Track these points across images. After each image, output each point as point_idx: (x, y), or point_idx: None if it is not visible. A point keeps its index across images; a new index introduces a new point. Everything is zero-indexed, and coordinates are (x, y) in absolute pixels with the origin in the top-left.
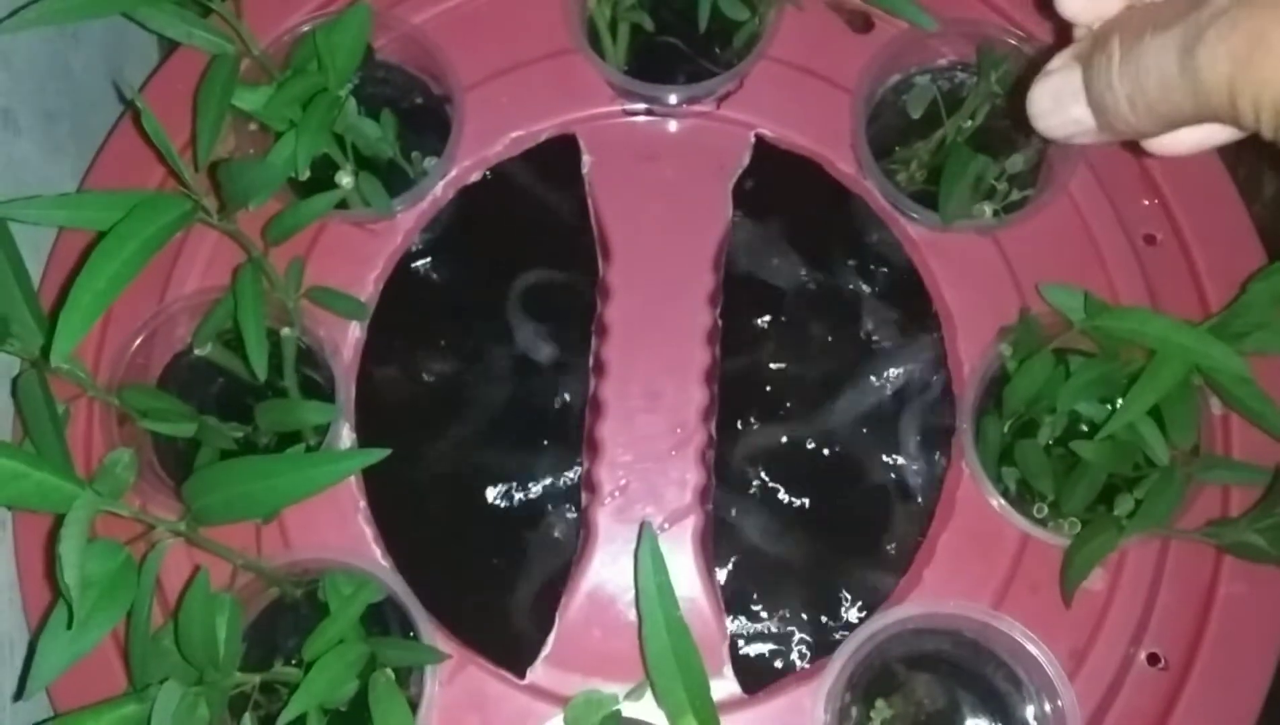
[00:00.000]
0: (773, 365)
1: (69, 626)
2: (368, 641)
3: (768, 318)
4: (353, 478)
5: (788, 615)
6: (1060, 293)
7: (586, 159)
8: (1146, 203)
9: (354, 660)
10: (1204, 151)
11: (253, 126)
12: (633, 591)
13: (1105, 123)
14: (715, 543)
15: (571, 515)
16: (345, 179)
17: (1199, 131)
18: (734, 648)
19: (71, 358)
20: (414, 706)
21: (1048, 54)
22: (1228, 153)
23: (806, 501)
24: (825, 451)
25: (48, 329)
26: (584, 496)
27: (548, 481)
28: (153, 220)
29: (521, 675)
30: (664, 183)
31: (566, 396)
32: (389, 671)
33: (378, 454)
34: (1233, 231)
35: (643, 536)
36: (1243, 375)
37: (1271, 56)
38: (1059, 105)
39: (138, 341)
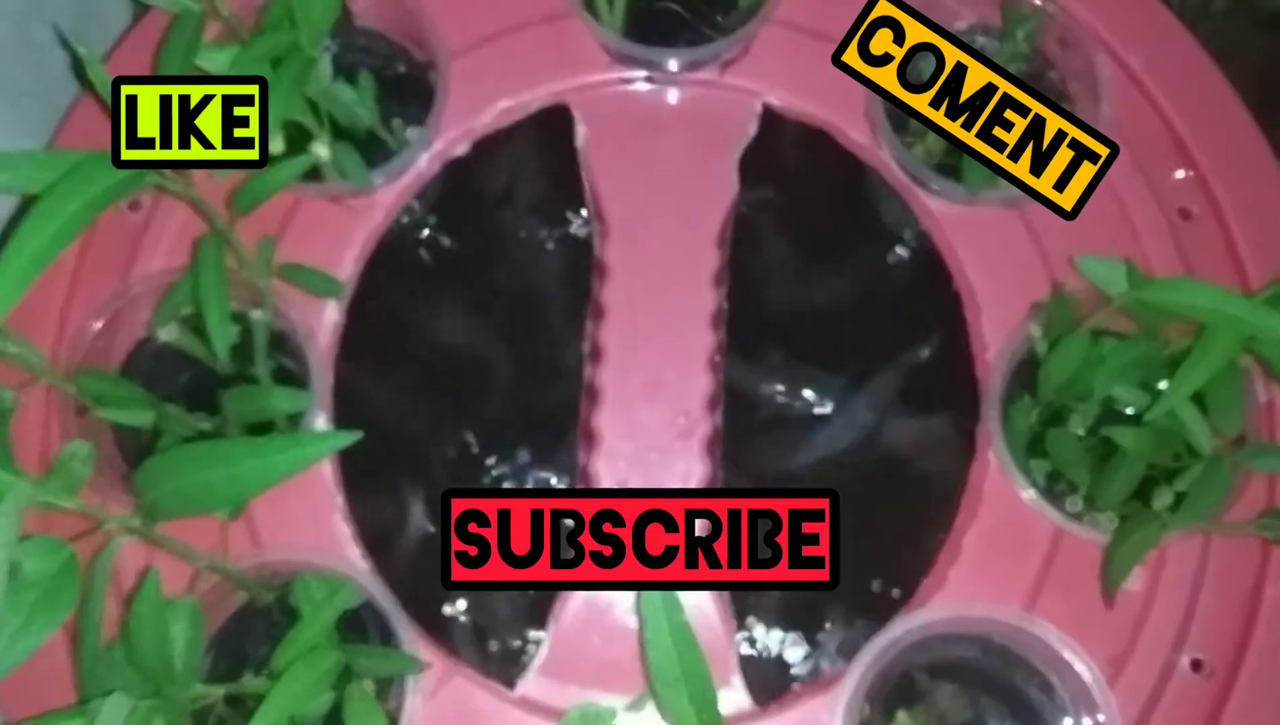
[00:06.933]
0: (781, 350)
1: None
2: (342, 649)
3: (776, 299)
4: (329, 473)
5: (801, 621)
6: (1098, 265)
7: (581, 130)
8: (1181, 175)
9: (327, 670)
10: (1240, 118)
11: None
12: (633, 595)
13: None
14: None
15: None
16: (320, 149)
17: None
18: (743, 656)
19: (24, 340)
20: (394, 721)
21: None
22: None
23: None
24: (839, 443)
25: None
26: None
27: (541, 475)
28: (99, 180)
29: (512, 686)
30: (665, 156)
31: (561, 384)
32: (367, 683)
33: (349, 437)
34: (1272, 204)
35: None
36: None
37: None
38: None
39: (98, 325)
